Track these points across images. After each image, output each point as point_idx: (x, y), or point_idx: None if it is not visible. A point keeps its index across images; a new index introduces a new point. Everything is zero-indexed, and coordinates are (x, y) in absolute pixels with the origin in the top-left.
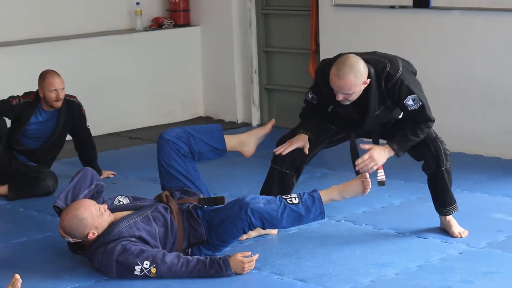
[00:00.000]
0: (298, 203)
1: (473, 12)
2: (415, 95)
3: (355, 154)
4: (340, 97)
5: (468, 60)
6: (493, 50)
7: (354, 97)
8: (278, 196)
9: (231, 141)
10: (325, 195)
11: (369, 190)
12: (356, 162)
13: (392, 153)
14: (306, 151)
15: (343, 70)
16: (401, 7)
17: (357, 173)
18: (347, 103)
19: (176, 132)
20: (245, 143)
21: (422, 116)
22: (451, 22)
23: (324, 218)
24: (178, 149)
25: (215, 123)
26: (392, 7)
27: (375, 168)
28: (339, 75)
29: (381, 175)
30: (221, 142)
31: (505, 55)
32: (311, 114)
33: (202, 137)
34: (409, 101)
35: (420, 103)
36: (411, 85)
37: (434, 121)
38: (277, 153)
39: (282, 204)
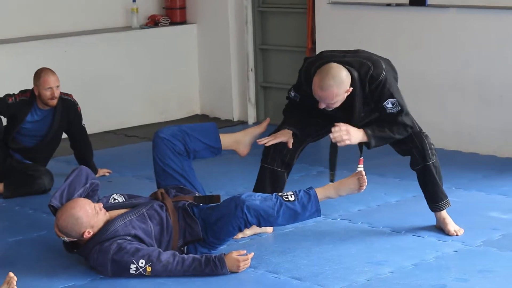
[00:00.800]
0: (294, 200)
1: (469, 10)
2: (395, 100)
3: (335, 151)
4: (322, 106)
5: (464, 58)
6: (489, 48)
7: (337, 104)
8: (274, 194)
9: (227, 139)
10: (321, 192)
11: (365, 187)
12: (332, 130)
13: (365, 138)
14: (290, 145)
15: (326, 81)
16: (397, 5)
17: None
18: (330, 109)
19: (171, 130)
20: (240, 142)
21: (398, 121)
22: (447, 20)
23: (320, 216)
24: (173, 147)
25: (210, 122)
26: (389, 5)
27: (347, 142)
28: (322, 86)
29: (360, 168)
30: (217, 141)
31: (501, 53)
32: (294, 109)
33: (197, 135)
34: (388, 104)
35: (399, 108)
36: (392, 89)
37: (411, 127)
38: (260, 143)
39: (278, 201)
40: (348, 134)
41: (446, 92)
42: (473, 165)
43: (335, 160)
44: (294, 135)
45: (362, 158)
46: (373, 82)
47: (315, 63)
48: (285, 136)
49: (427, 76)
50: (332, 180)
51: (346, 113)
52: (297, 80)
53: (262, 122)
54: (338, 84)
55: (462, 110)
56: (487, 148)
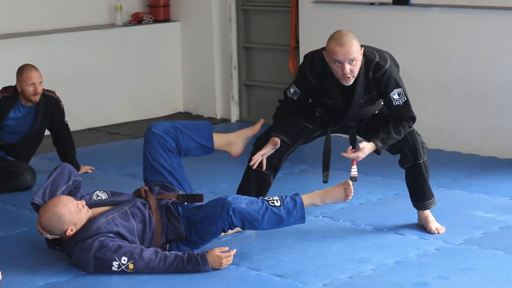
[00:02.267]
0: (280, 205)
1: (452, 9)
2: (401, 89)
3: (328, 152)
4: (347, 69)
5: (447, 57)
6: (473, 48)
7: (357, 69)
8: (260, 198)
9: (219, 140)
10: (307, 199)
11: (351, 197)
12: (348, 152)
13: (373, 149)
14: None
15: (344, 37)
16: (381, 4)
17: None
18: (351, 81)
19: (164, 126)
20: (233, 143)
21: (405, 113)
22: (430, 19)
23: (304, 223)
24: (165, 143)
25: (204, 121)
26: (372, 4)
27: (358, 159)
28: (341, 42)
29: (354, 171)
30: (210, 140)
31: (484, 52)
32: (285, 114)
33: (191, 133)
34: (395, 95)
35: (405, 99)
36: (398, 79)
37: (415, 119)
38: (251, 164)
39: (264, 205)
40: (361, 156)
41: (429, 90)
42: (455, 164)
43: (329, 161)
44: (282, 141)
45: (343, 154)
46: (378, 71)
47: (318, 53)
48: (275, 146)
49: (411, 75)
50: (325, 181)
51: (346, 98)
52: (297, 75)
53: (256, 124)
54: (354, 37)
55: (445, 109)
56: (470, 147)
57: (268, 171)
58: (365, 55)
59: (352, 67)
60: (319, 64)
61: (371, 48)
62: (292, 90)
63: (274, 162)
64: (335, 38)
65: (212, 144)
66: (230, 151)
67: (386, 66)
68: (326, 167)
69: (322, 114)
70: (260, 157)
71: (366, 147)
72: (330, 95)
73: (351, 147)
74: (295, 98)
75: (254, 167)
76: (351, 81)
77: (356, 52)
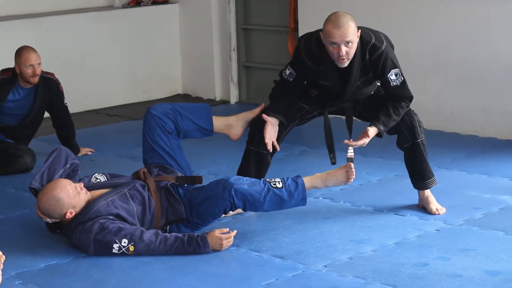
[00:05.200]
0: (282, 187)
1: None
2: (398, 69)
3: (329, 132)
4: (343, 51)
5: (446, 38)
6: (470, 29)
7: (353, 51)
8: (262, 179)
9: (219, 122)
10: (308, 182)
11: (352, 180)
12: (352, 143)
13: (376, 133)
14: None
15: (341, 19)
16: None
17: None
18: (346, 63)
19: (163, 108)
20: (232, 126)
21: (403, 93)
22: (429, 1)
23: (305, 205)
24: (164, 125)
25: (203, 103)
26: None
27: (364, 145)
28: (338, 24)
29: (350, 152)
30: (209, 123)
31: (481, 33)
32: (282, 95)
33: (190, 115)
34: (392, 76)
35: (402, 78)
36: (394, 59)
37: (412, 98)
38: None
39: (266, 187)
40: (367, 139)
41: (428, 72)
42: (455, 145)
43: (332, 142)
44: (279, 121)
45: (348, 140)
46: (375, 52)
47: (314, 35)
48: (274, 127)
49: (409, 56)
50: (333, 163)
51: (343, 79)
52: (292, 57)
53: (256, 108)
54: (351, 19)
55: (443, 90)
56: (469, 128)
57: (266, 151)
58: (361, 37)
59: (348, 49)
60: (316, 46)
61: (366, 29)
62: (287, 72)
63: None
64: (332, 20)
65: (211, 126)
66: (229, 134)
67: (382, 48)
68: (331, 149)
69: (318, 95)
70: (270, 142)
71: (370, 132)
72: (327, 76)
73: (352, 139)
74: (291, 80)
75: (271, 151)
76: (346, 63)
77: (352, 35)
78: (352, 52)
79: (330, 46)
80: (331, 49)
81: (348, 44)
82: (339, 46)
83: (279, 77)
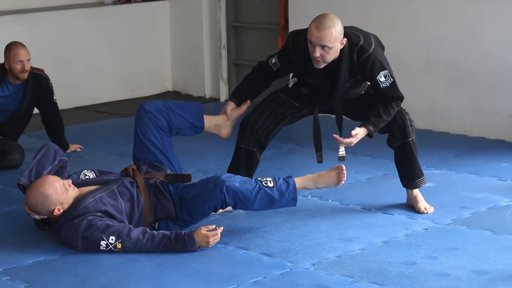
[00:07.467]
0: (273, 187)
1: None
2: (387, 71)
3: (318, 131)
4: (317, 53)
5: (436, 38)
6: (461, 29)
7: (330, 57)
8: (253, 178)
9: (208, 122)
10: (300, 182)
11: (343, 182)
12: (341, 139)
13: (365, 134)
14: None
15: (324, 22)
16: None
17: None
18: (322, 65)
19: (157, 104)
20: (221, 126)
21: (393, 94)
22: (419, 1)
23: (295, 205)
24: (156, 121)
25: (193, 101)
26: None
27: (354, 142)
28: (320, 26)
29: (342, 151)
30: (200, 120)
31: (473, 34)
32: (257, 78)
33: (182, 112)
34: (381, 78)
35: (391, 80)
36: (383, 61)
37: (403, 98)
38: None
39: (258, 186)
40: (355, 139)
41: (418, 71)
42: (444, 144)
43: (320, 141)
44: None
45: (336, 136)
46: (363, 55)
47: (303, 33)
48: (235, 113)
49: (400, 56)
50: (320, 161)
51: (330, 80)
52: (280, 50)
53: (242, 105)
54: (336, 25)
55: (434, 90)
56: (458, 128)
57: (256, 149)
58: (349, 38)
59: (323, 53)
60: (303, 43)
61: (356, 30)
62: (273, 61)
63: (262, 140)
64: (317, 20)
65: (202, 124)
66: (219, 134)
67: (371, 50)
68: (318, 147)
69: (308, 94)
70: (228, 110)
71: (359, 132)
72: (314, 74)
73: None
74: (274, 69)
75: (229, 119)
76: (321, 66)
77: (330, 41)
78: (329, 57)
79: (309, 44)
80: (310, 47)
81: (324, 48)
82: (314, 46)
83: (265, 60)
